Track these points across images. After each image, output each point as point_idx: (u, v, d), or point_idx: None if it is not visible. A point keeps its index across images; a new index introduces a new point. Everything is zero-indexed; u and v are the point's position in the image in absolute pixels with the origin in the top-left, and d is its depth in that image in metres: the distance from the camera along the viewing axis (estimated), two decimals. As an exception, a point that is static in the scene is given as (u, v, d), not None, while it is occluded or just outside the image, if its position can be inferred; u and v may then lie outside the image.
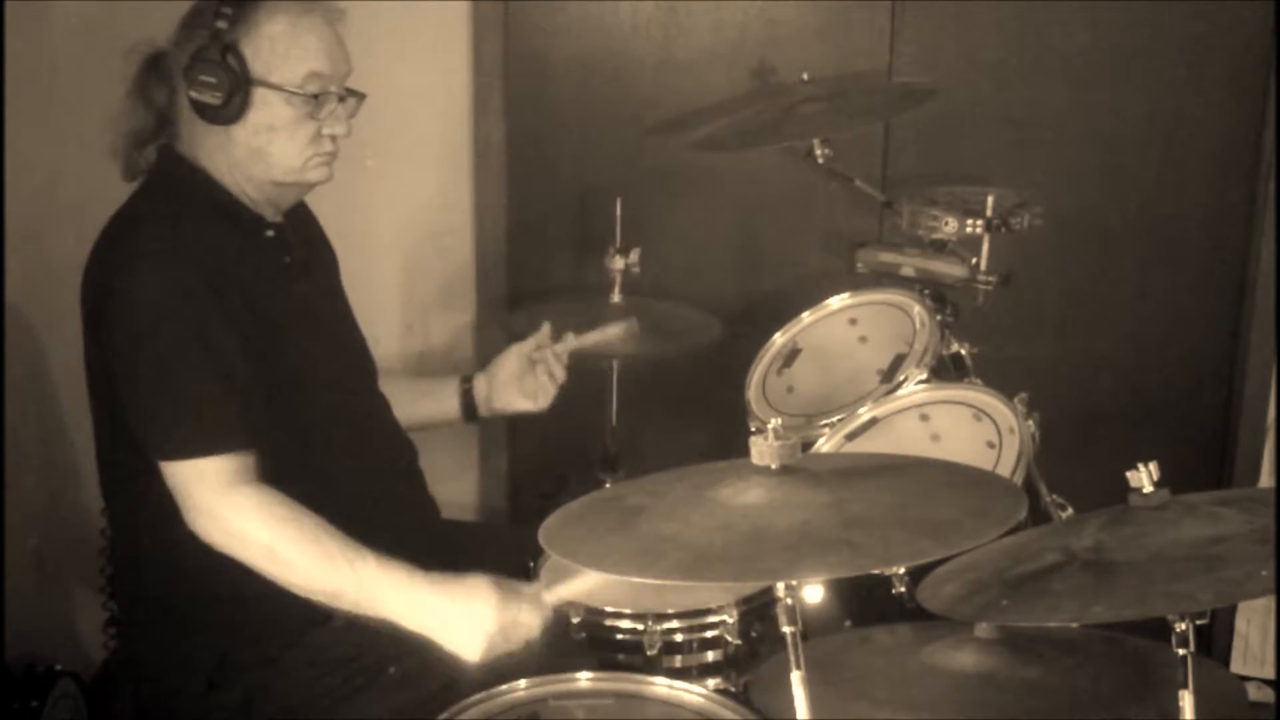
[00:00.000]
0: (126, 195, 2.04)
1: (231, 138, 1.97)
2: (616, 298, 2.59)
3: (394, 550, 1.90)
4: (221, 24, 1.93)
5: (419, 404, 2.32)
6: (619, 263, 2.57)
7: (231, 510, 1.86)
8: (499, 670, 1.83)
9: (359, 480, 2.07)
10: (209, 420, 1.88)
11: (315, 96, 1.97)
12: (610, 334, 2.34)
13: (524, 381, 2.32)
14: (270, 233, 2.06)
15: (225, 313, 1.91)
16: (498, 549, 2.10)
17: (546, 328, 2.34)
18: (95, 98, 2.07)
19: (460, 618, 1.85)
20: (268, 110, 1.95)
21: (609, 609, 2.03)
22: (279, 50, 1.95)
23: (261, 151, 1.97)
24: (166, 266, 1.90)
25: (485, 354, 3.06)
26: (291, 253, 2.09)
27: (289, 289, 2.07)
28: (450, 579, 1.88)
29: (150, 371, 1.89)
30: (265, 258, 2.04)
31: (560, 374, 2.31)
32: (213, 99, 1.92)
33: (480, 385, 2.36)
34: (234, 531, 1.86)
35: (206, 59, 1.91)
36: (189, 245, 1.93)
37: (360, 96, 2.05)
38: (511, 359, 2.34)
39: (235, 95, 1.92)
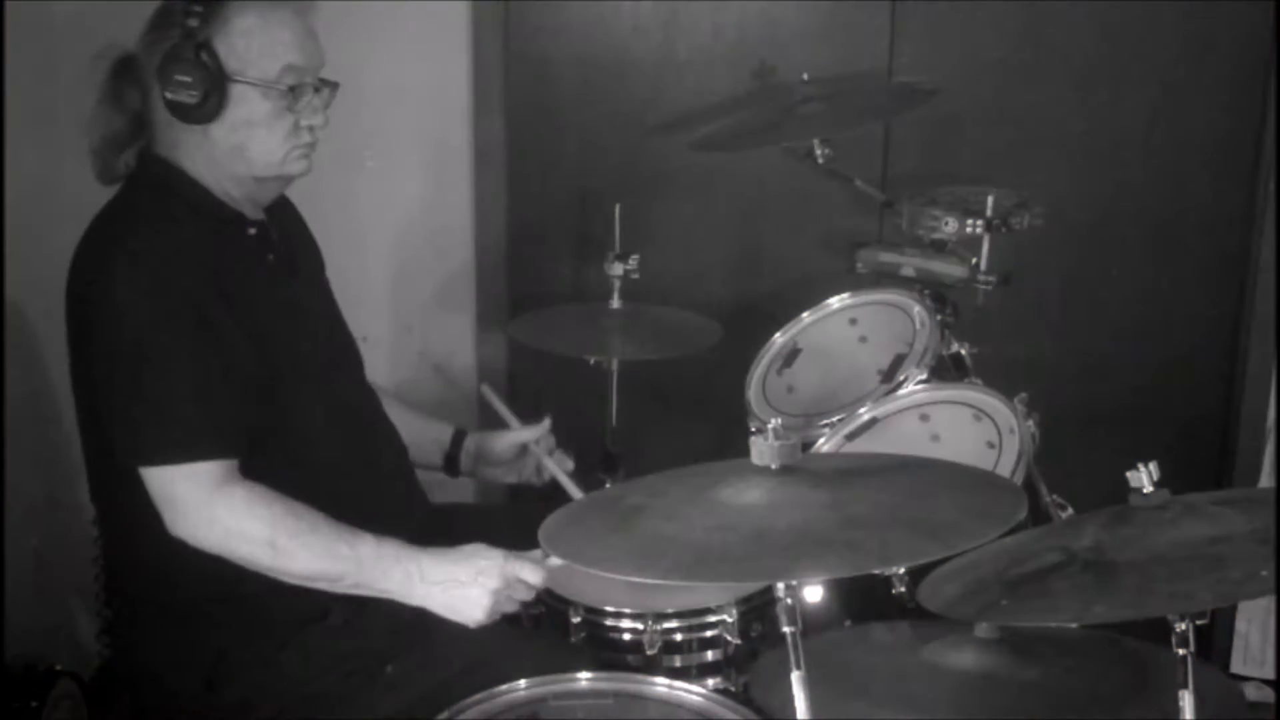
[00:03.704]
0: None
1: (210, 136, 1.95)
2: (616, 303, 2.60)
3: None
4: (193, 22, 1.90)
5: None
6: (618, 269, 2.58)
7: (227, 509, 1.86)
8: (498, 668, 1.82)
9: (350, 475, 2.06)
10: (194, 425, 1.86)
11: (292, 89, 1.96)
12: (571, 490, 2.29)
13: (514, 463, 2.38)
14: (252, 230, 2.05)
15: (209, 314, 1.89)
16: (495, 529, 2.09)
17: (547, 422, 2.36)
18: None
19: (464, 578, 1.87)
20: (245, 106, 1.94)
21: (609, 609, 2.03)
22: (253, 46, 1.93)
23: (241, 147, 1.96)
24: (148, 269, 1.88)
25: (485, 356, 3.07)
26: (275, 250, 2.08)
27: (273, 287, 2.06)
28: (447, 549, 1.91)
29: (135, 376, 1.86)
30: (248, 257, 2.03)
31: (545, 477, 2.36)
32: (189, 98, 1.90)
33: (467, 453, 2.38)
34: (232, 529, 1.85)
35: (180, 58, 1.89)
36: (170, 247, 1.91)
37: (334, 86, 2.03)
38: (510, 442, 2.37)
39: (212, 93, 1.90)
